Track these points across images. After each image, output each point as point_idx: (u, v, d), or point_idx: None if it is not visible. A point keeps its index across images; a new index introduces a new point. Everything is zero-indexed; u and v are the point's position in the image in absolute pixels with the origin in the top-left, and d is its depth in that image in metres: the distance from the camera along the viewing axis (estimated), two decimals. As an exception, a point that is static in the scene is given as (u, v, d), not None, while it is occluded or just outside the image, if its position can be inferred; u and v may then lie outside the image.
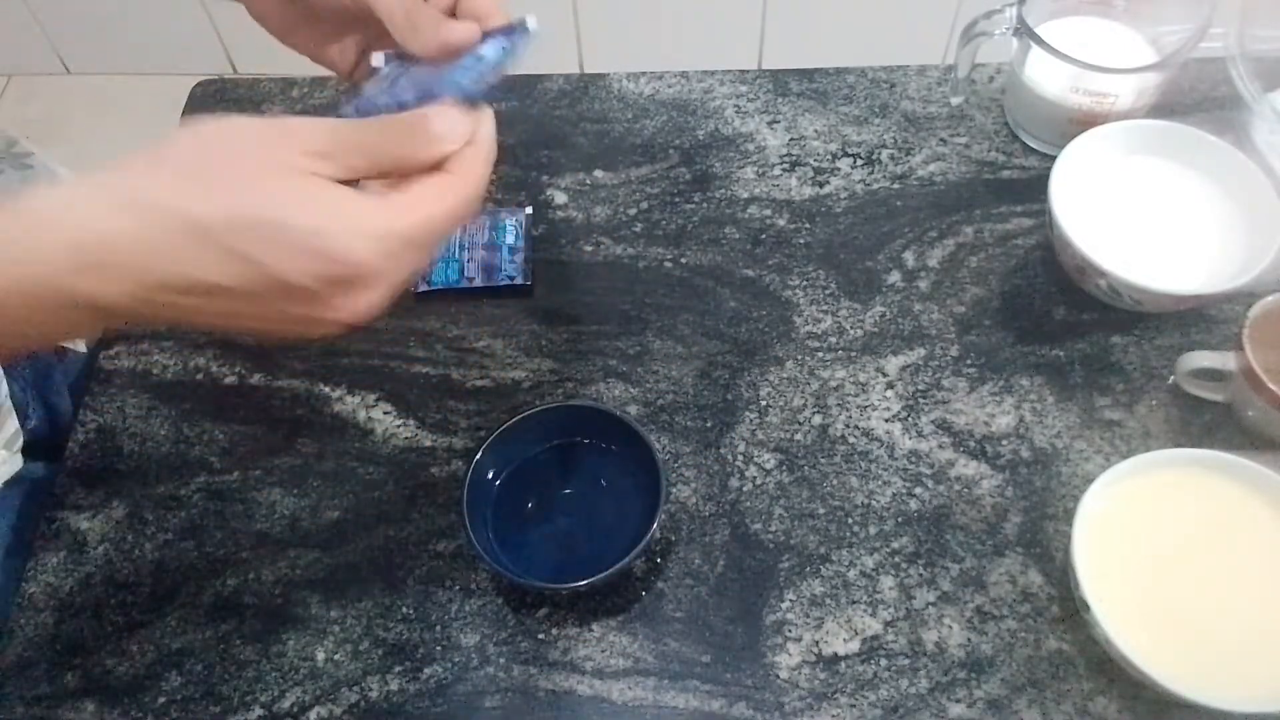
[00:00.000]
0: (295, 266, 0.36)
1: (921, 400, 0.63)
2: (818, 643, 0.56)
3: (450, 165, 0.40)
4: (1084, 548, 0.52)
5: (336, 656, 0.56)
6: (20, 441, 0.63)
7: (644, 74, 0.79)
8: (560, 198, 0.73)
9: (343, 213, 0.37)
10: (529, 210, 0.72)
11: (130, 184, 0.37)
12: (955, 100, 0.76)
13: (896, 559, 0.58)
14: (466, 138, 0.40)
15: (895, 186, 0.72)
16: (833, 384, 0.64)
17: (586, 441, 0.60)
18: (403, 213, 0.38)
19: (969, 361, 0.65)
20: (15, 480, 0.63)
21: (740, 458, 0.62)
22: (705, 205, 0.72)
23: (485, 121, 0.41)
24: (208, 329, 0.40)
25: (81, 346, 0.71)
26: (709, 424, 0.63)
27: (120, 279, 0.36)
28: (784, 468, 0.61)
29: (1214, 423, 0.61)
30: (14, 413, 0.63)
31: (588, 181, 0.74)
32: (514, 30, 0.44)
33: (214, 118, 0.38)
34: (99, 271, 0.36)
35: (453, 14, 0.44)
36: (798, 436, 0.62)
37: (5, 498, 0.62)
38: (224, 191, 0.36)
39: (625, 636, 0.56)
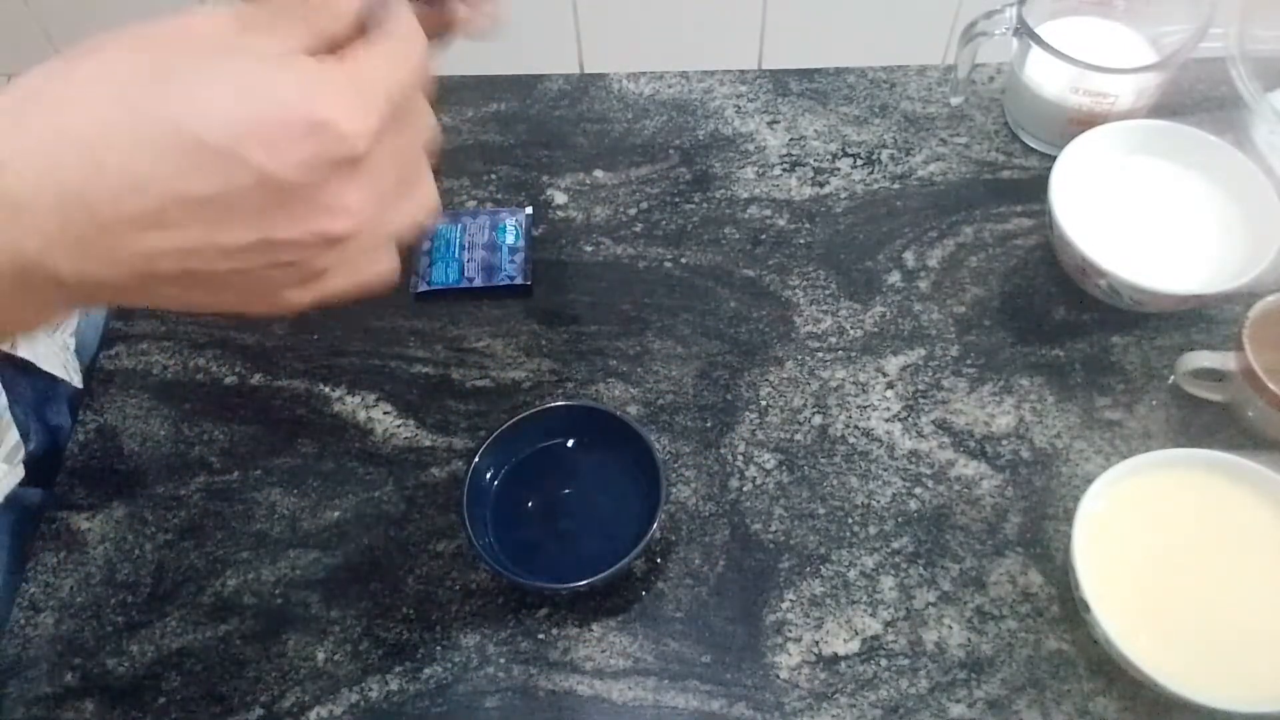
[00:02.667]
0: (288, 150, 0.31)
1: (921, 400, 0.63)
2: (818, 643, 0.56)
3: (384, 27, 0.35)
4: (1084, 548, 0.52)
5: (336, 656, 0.56)
6: (21, 454, 0.62)
7: (644, 74, 0.79)
8: (560, 198, 0.73)
9: (319, 78, 0.32)
10: (529, 210, 0.72)
11: (74, 104, 0.32)
12: (955, 100, 0.76)
13: (896, 559, 0.58)
14: None
15: (895, 186, 0.72)
16: (833, 384, 0.64)
17: (587, 441, 0.60)
18: (372, 71, 0.33)
19: (969, 361, 0.65)
20: (8, 504, 0.61)
21: (740, 458, 0.62)
22: (705, 205, 0.72)
23: None
24: (173, 298, 0.34)
25: (76, 380, 0.69)
26: (709, 424, 0.63)
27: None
28: (784, 468, 0.61)
29: (1214, 423, 0.61)
30: (14, 425, 0.62)
31: (588, 181, 0.74)
32: None
33: (105, 35, 0.33)
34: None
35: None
36: (798, 436, 0.62)
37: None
38: (187, 87, 0.31)
39: (625, 636, 0.56)
